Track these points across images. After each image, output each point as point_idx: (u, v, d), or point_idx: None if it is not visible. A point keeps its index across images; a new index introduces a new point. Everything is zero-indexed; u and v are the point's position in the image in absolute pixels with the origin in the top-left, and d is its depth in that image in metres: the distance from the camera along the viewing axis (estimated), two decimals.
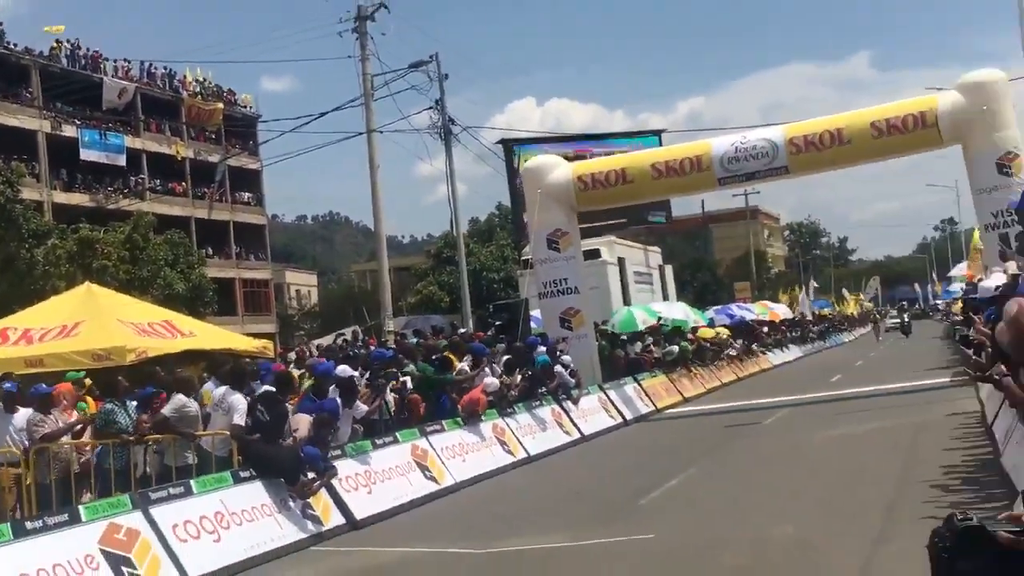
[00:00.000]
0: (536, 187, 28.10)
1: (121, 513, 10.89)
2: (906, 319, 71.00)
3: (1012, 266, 13.58)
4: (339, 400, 15.18)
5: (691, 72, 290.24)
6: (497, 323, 28.35)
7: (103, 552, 10.24)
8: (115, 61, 63.55)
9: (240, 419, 13.57)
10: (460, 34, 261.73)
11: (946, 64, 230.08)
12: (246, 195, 73.22)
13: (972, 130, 24.62)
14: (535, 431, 20.76)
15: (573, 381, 23.71)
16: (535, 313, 29.25)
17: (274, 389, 14.20)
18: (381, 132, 36.67)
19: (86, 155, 59.16)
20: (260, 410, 13.57)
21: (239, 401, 13.91)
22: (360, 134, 36.31)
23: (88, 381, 16.24)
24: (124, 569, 10.28)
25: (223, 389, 14.44)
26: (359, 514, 13.93)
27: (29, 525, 10.02)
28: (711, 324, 42.70)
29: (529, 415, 21.12)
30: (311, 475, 13.48)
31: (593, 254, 37.40)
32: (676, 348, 33.19)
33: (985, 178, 24.48)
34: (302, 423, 14.04)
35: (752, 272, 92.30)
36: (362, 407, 15.73)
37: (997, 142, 24.38)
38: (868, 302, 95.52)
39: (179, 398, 14.20)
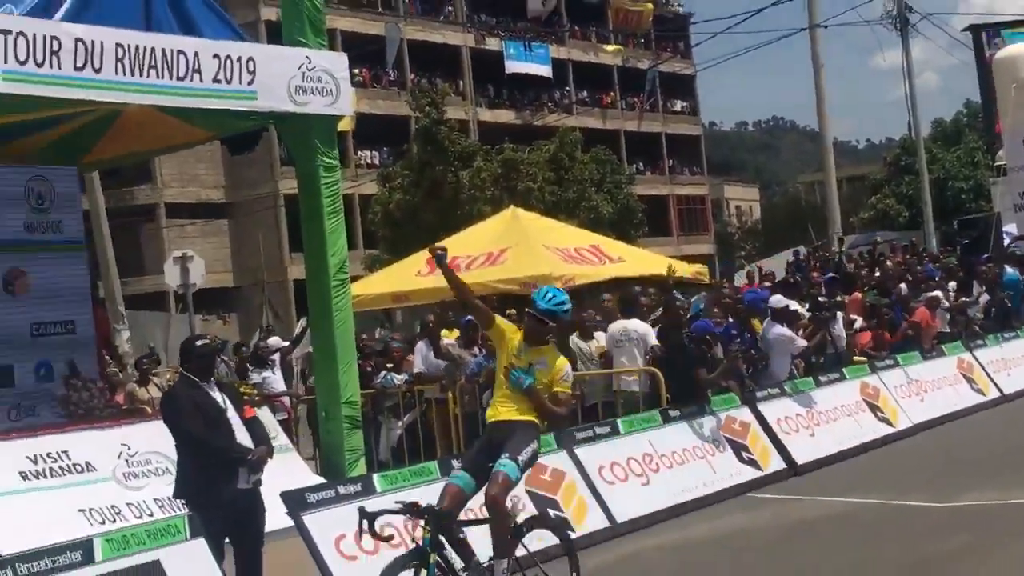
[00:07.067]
0: (1011, 81, 27.12)
1: (546, 452, 11.41)
2: None
3: None
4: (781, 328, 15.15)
5: None
6: (964, 241, 27.23)
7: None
8: None
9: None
10: None
11: None
12: (679, 103, 73.90)
13: None
14: (1009, 367, 19.70)
15: None
16: (1009, 228, 27.73)
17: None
18: (825, 27, 35.86)
19: (511, 68, 61.87)
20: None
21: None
22: (802, 30, 35.65)
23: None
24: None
25: (623, 322, 14.57)
26: (800, 459, 13.88)
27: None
28: None
29: (1000, 348, 20.06)
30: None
31: None
32: None
33: None
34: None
35: None
36: (800, 341, 15.55)
37: None
38: None
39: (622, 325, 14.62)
